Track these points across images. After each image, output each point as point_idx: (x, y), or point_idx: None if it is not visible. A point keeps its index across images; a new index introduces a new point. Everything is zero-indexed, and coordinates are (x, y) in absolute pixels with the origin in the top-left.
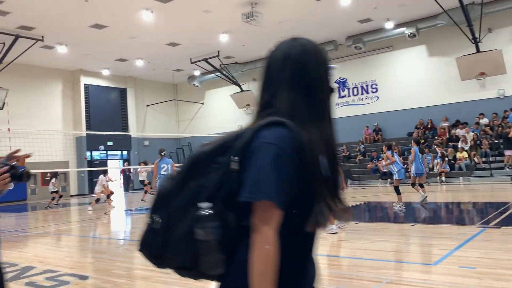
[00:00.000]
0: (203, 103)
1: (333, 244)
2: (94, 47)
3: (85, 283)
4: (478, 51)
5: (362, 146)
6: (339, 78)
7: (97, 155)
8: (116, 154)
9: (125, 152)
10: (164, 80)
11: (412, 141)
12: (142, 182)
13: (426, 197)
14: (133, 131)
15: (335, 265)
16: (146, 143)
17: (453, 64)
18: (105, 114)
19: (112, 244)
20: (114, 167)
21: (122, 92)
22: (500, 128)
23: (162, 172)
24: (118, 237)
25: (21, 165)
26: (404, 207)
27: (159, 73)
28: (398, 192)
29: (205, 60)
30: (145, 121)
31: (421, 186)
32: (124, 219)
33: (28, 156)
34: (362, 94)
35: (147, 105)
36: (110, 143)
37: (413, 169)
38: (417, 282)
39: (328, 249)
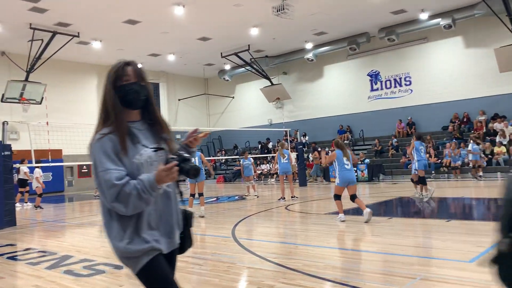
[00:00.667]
0: (233, 97)
1: (366, 239)
2: (128, 43)
3: (120, 273)
4: None
5: (395, 140)
6: (371, 70)
7: None
8: None
9: None
10: (195, 75)
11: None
12: None
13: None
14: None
15: (368, 260)
16: (178, 136)
17: (491, 55)
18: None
19: None
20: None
21: (155, 87)
22: None
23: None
24: None
25: (197, 144)
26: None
27: (190, 68)
28: (423, 182)
29: (236, 54)
30: (177, 115)
31: (422, 182)
32: None
33: (206, 135)
34: (395, 87)
35: (179, 99)
36: None
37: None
38: (452, 279)
39: (360, 244)
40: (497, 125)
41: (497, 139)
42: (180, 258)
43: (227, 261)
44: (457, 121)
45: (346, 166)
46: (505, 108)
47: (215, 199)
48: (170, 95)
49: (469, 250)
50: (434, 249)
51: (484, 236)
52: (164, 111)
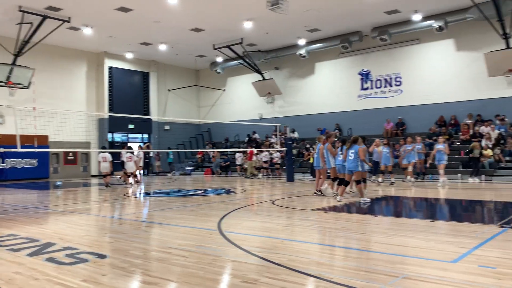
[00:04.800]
0: (224, 90)
1: (351, 237)
2: (119, 30)
3: (103, 262)
4: (508, 47)
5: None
6: (363, 69)
7: (118, 137)
8: (137, 137)
9: (145, 136)
10: (186, 66)
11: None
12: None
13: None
14: (154, 115)
15: (352, 257)
16: (167, 127)
17: (481, 59)
18: (128, 97)
19: (130, 225)
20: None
21: (145, 76)
22: None
23: None
24: (136, 218)
25: None
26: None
27: (182, 58)
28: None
29: (228, 46)
30: (166, 106)
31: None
32: (142, 201)
33: None
34: (385, 87)
35: (169, 90)
36: (131, 126)
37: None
38: (434, 279)
39: (345, 240)
40: (484, 129)
41: (484, 142)
42: (164, 249)
43: (212, 254)
44: (442, 123)
45: (315, 155)
46: (492, 112)
47: (202, 191)
48: (160, 85)
49: (451, 250)
50: (418, 248)
51: (466, 237)
52: (153, 101)
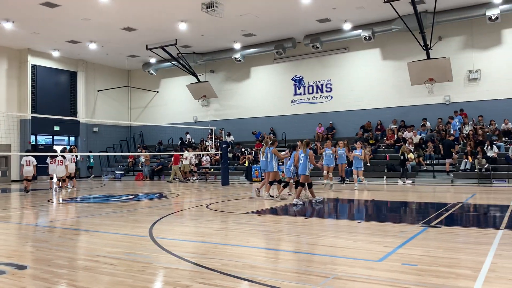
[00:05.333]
0: (157, 92)
1: (281, 238)
2: (44, 26)
3: (23, 273)
4: (428, 57)
5: (313, 144)
6: (296, 75)
7: (42, 139)
8: (63, 140)
9: (72, 138)
10: (117, 65)
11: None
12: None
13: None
14: (82, 116)
15: (285, 260)
16: (95, 129)
17: (404, 68)
18: (53, 97)
19: (54, 233)
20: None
21: (72, 75)
22: (444, 133)
23: None
24: (62, 225)
25: None
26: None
27: (112, 58)
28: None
29: (162, 47)
30: (95, 107)
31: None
32: (68, 207)
33: None
34: (317, 92)
35: (98, 90)
36: (57, 128)
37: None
38: (362, 278)
39: (278, 243)
40: (407, 134)
41: (407, 146)
42: (91, 258)
43: (142, 261)
44: (368, 128)
45: (262, 159)
46: (415, 118)
47: (133, 196)
48: (89, 86)
49: (378, 250)
50: (347, 249)
51: (391, 237)
52: (81, 102)
